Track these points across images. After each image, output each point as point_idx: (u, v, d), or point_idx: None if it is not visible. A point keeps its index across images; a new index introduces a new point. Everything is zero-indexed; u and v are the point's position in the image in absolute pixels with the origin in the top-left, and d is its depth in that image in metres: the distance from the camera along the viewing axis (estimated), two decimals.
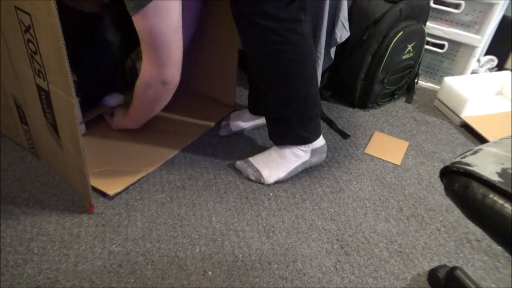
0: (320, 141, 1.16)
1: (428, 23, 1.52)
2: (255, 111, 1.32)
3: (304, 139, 1.13)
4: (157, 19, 0.90)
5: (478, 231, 1.05)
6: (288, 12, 0.95)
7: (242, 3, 0.94)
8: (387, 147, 1.33)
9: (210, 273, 0.91)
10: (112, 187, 1.08)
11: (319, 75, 1.36)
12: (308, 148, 1.14)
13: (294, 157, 1.14)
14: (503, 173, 0.57)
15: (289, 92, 1.05)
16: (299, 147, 1.14)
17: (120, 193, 1.09)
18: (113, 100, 1.31)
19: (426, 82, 1.68)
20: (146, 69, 1.00)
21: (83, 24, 1.12)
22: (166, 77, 0.99)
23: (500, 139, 0.66)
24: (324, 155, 1.19)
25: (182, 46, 0.98)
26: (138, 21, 0.90)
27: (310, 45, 1.04)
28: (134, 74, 1.38)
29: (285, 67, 1.02)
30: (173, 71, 0.99)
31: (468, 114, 1.43)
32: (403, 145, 1.35)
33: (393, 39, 1.34)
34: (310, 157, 1.16)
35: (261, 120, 1.34)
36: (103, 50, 1.21)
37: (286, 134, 1.13)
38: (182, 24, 1.15)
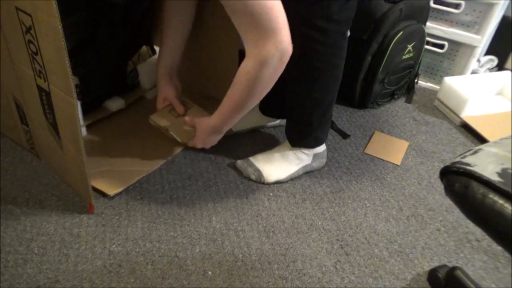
0: (322, 146, 1.16)
1: (428, 23, 1.52)
2: (268, 112, 1.31)
3: (319, 141, 1.14)
4: None
5: (478, 231, 1.05)
6: (343, 14, 0.92)
7: (304, 2, 0.88)
8: (387, 147, 1.33)
9: (210, 273, 0.92)
10: (112, 187, 1.08)
11: None
12: (310, 152, 1.15)
13: (296, 160, 1.15)
14: (503, 173, 0.57)
15: (320, 94, 1.03)
16: (303, 150, 1.14)
17: (120, 193, 1.09)
18: (113, 104, 1.31)
19: (426, 82, 1.68)
20: (257, 47, 0.85)
21: (85, 26, 1.12)
22: (283, 44, 0.84)
23: (500, 139, 0.66)
24: (324, 160, 1.19)
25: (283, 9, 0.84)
26: None
27: (345, 48, 1.01)
28: (135, 77, 1.38)
29: (322, 69, 0.99)
30: (286, 34, 0.85)
31: (468, 114, 1.43)
32: (403, 145, 1.35)
33: (393, 39, 1.34)
34: (312, 161, 1.16)
35: (262, 122, 1.34)
36: (104, 53, 1.21)
37: (306, 136, 1.12)
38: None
